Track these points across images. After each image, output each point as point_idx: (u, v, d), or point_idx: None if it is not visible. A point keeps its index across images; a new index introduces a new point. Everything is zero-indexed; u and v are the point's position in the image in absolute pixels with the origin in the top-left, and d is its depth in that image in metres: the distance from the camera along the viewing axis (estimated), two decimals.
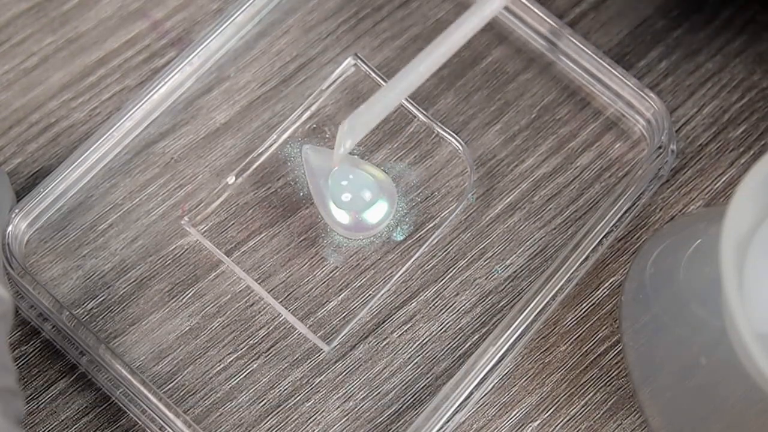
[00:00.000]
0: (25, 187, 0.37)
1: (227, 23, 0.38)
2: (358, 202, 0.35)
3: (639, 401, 0.34)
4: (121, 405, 0.34)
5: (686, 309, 0.32)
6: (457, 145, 0.37)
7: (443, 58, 0.33)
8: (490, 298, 0.36)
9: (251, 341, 0.35)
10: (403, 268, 0.35)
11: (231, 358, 0.35)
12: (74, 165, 0.36)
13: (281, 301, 0.35)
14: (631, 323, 0.34)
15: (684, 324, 0.32)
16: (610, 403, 0.35)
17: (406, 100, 0.36)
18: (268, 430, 0.34)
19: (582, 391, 0.35)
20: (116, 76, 0.38)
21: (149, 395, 0.33)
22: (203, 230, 0.36)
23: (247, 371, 0.35)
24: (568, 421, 0.34)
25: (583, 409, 0.34)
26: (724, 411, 0.31)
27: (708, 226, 0.33)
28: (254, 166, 0.36)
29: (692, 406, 0.32)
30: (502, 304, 0.36)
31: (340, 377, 0.35)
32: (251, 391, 0.34)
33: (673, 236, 0.34)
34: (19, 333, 0.35)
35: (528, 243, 0.36)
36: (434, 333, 0.35)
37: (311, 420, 0.34)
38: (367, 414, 0.34)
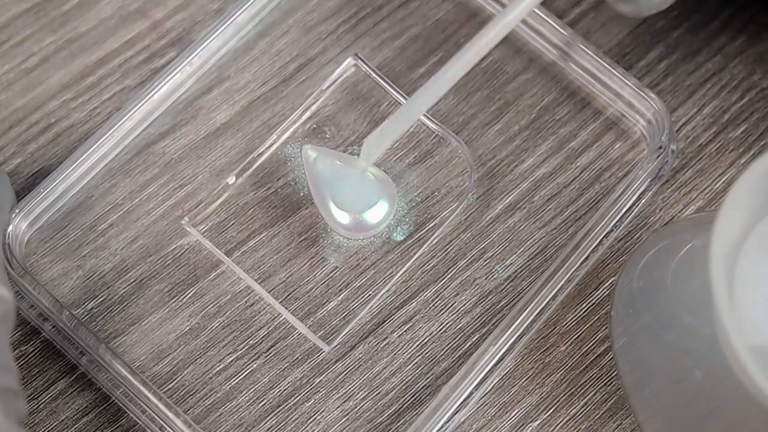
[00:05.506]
0: (25, 187, 0.37)
1: (227, 23, 0.37)
2: (358, 202, 0.35)
3: (632, 408, 0.33)
4: (121, 405, 0.34)
5: (676, 318, 0.32)
6: (457, 145, 0.37)
7: (456, 78, 0.33)
8: (490, 298, 0.36)
9: (251, 341, 0.35)
10: (403, 268, 0.35)
11: (231, 358, 0.35)
12: (74, 165, 0.36)
13: (281, 301, 0.35)
14: (622, 332, 0.34)
15: (674, 333, 0.32)
16: (610, 403, 0.35)
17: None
18: (268, 430, 0.34)
19: (582, 391, 0.35)
20: (116, 76, 0.38)
21: (149, 395, 0.33)
22: (203, 230, 0.36)
23: (247, 371, 0.35)
24: (568, 421, 0.34)
25: (583, 409, 0.34)
26: (717, 418, 0.31)
27: (694, 235, 0.33)
28: (254, 166, 0.36)
29: (685, 414, 0.32)
30: (502, 304, 0.36)
31: (340, 377, 0.35)
32: (251, 391, 0.34)
33: (660, 244, 0.34)
34: (19, 333, 0.35)
35: (528, 243, 0.36)
36: (434, 333, 0.35)
37: (311, 420, 0.34)
38: (367, 414, 0.34)
